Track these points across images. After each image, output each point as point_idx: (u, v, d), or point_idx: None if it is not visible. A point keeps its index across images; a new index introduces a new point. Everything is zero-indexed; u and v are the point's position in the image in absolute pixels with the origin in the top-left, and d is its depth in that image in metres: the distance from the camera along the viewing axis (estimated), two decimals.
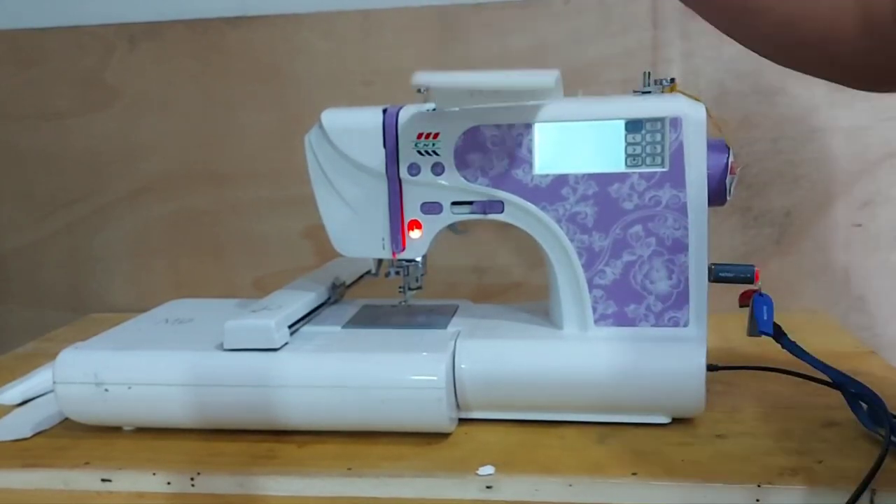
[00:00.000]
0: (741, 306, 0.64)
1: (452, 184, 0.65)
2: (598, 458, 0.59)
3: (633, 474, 0.56)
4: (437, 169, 0.65)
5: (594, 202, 0.63)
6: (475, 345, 0.65)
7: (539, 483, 0.56)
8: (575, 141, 0.63)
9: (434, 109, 0.65)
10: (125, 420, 0.67)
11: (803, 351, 0.62)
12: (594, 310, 0.65)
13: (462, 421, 0.66)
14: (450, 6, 0.95)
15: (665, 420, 0.63)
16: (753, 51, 0.56)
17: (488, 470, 0.58)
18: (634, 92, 0.65)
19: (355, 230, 0.69)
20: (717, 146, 0.64)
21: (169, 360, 0.65)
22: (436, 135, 0.65)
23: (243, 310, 0.68)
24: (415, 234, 0.68)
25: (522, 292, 1.00)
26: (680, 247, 0.63)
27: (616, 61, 0.93)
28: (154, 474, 0.60)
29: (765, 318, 0.62)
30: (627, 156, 0.63)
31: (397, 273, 0.71)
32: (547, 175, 0.64)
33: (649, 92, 0.65)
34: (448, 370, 0.62)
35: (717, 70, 0.92)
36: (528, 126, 0.64)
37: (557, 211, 0.64)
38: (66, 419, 0.69)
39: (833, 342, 0.82)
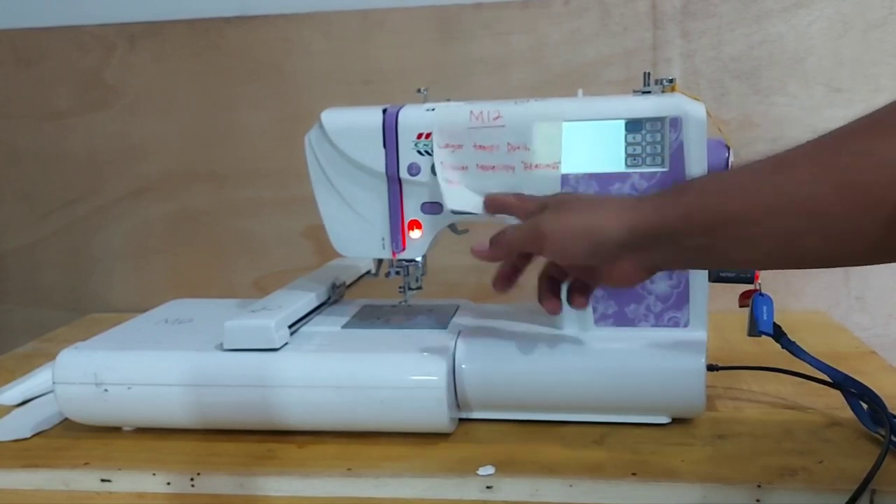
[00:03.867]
0: (741, 306, 0.64)
1: None
2: (598, 458, 0.59)
3: (633, 474, 0.56)
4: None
5: None
6: (475, 345, 0.65)
7: (539, 483, 0.56)
8: (575, 141, 0.63)
9: (434, 109, 0.65)
10: (125, 420, 0.67)
11: (803, 351, 0.62)
12: (594, 310, 0.65)
13: (462, 421, 0.66)
14: (450, 6, 0.95)
15: (665, 420, 0.63)
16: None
17: (488, 470, 0.58)
18: (634, 92, 0.65)
19: (355, 230, 0.69)
20: (717, 146, 0.64)
21: (169, 361, 0.65)
22: None
23: (243, 310, 0.68)
24: (415, 234, 0.67)
25: (523, 292, 0.99)
26: None
27: (616, 61, 0.93)
28: (154, 475, 0.60)
29: (765, 317, 0.62)
30: (628, 156, 0.63)
31: (397, 273, 0.71)
32: None
33: (649, 92, 0.64)
34: (448, 370, 0.62)
35: (718, 70, 0.92)
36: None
37: None
38: (66, 419, 0.69)
39: (833, 342, 0.82)
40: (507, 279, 0.60)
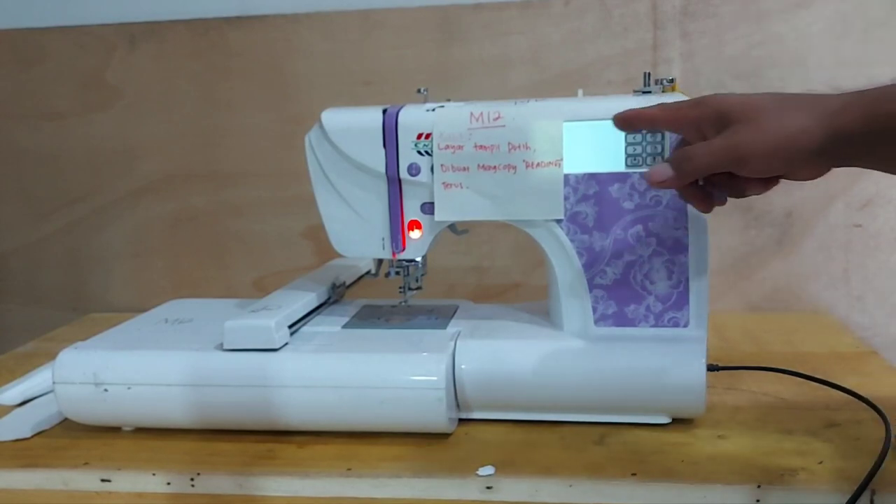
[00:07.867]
0: None
1: None
2: (598, 458, 0.59)
3: (633, 475, 0.56)
4: None
5: (595, 202, 0.63)
6: (475, 345, 0.65)
7: (539, 483, 0.56)
8: (575, 141, 0.63)
9: (434, 109, 0.65)
10: (125, 420, 0.67)
11: None
12: (594, 310, 0.65)
13: (462, 421, 0.66)
14: (450, 6, 0.95)
15: (665, 420, 0.63)
16: None
17: (488, 470, 0.58)
18: (635, 92, 0.65)
19: (355, 230, 0.69)
20: None
21: (169, 360, 0.65)
22: None
23: (243, 310, 0.68)
24: (415, 234, 0.67)
25: (522, 292, 1.00)
26: (680, 247, 0.63)
27: (616, 61, 0.93)
28: (154, 474, 0.60)
29: None
30: (628, 156, 0.63)
31: (397, 273, 0.71)
32: None
33: (650, 92, 0.64)
34: (448, 370, 0.62)
35: (717, 70, 0.92)
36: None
37: None
38: (66, 419, 0.69)
39: (834, 343, 0.82)
40: (708, 199, 0.54)
